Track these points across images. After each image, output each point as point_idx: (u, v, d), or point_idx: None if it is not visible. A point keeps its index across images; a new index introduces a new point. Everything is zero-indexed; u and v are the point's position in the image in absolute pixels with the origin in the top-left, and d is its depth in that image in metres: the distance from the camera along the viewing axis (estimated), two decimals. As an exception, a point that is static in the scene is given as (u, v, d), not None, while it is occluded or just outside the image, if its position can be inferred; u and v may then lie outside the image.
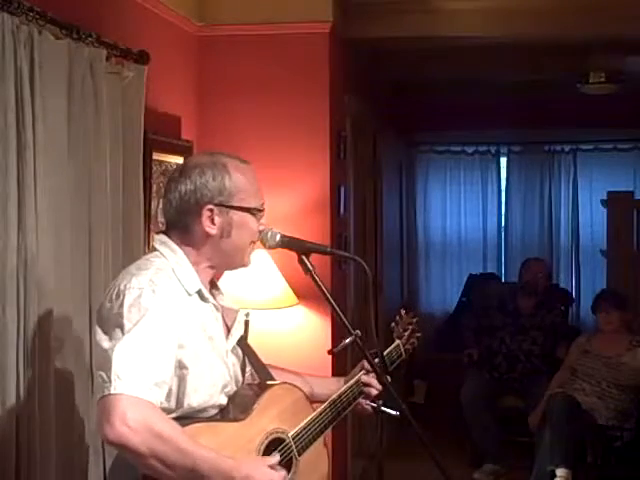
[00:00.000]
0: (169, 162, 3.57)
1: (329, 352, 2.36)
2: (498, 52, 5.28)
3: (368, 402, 2.37)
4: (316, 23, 4.07)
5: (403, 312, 2.72)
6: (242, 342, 2.18)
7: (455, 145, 7.99)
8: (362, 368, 2.38)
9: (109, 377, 1.77)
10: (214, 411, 2.03)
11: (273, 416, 2.08)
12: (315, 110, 4.11)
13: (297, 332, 4.09)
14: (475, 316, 6.16)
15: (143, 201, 3.20)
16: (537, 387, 5.38)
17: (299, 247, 2.17)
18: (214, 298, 2.11)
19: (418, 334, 2.73)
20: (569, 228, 7.85)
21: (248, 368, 2.21)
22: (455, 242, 8.00)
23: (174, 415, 1.93)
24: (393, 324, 2.67)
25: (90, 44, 2.79)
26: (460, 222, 7.99)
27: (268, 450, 2.04)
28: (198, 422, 1.94)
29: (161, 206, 2.38)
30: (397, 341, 2.64)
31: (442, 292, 8.00)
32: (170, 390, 1.91)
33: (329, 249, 2.41)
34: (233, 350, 2.14)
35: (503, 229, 8.01)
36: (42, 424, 2.48)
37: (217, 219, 2.03)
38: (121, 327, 1.83)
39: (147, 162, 3.31)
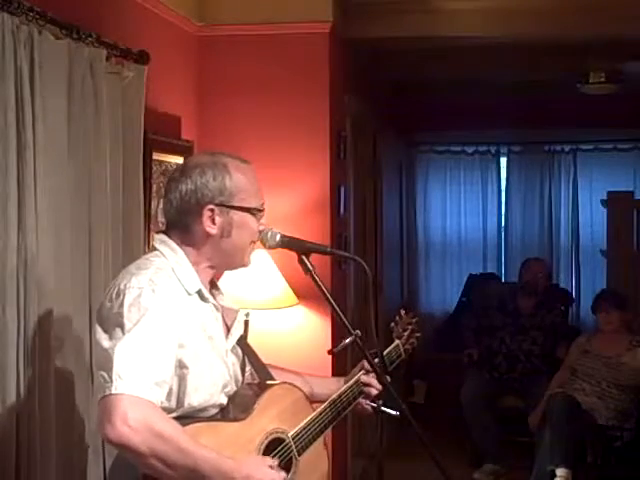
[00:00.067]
0: (169, 162, 3.57)
1: (329, 352, 2.37)
2: (498, 52, 5.27)
3: (368, 402, 2.38)
4: (316, 23, 4.07)
5: (403, 312, 2.72)
6: (242, 342, 2.18)
7: (455, 145, 7.98)
8: (362, 368, 2.38)
9: (110, 377, 1.77)
10: (214, 410, 2.04)
11: (273, 416, 2.08)
12: (315, 110, 4.11)
13: (297, 332, 4.09)
14: (475, 316, 6.15)
15: (143, 201, 3.19)
16: (537, 387, 5.38)
17: (299, 247, 2.17)
18: (214, 298, 2.11)
19: (418, 334, 2.73)
20: (569, 228, 7.84)
21: (248, 368, 2.22)
22: (455, 242, 7.99)
23: (175, 414, 1.93)
24: (393, 324, 2.67)
25: (90, 44, 2.79)
26: (460, 222, 7.98)
27: (268, 450, 2.04)
28: (199, 422, 1.94)
29: (161, 206, 2.39)
30: (397, 341, 2.65)
31: (442, 292, 7.99)
32: (170, 389, 1.91)
33: (329, 249, 2.42)
34: (233, 350, 2.14)
35: (503, 229, 7.99)
36: (42, 423, 2.48)
37: (218, 219, 2.03)
38: (121, 326, 1.83)
39: (147, 162, 3.31)
